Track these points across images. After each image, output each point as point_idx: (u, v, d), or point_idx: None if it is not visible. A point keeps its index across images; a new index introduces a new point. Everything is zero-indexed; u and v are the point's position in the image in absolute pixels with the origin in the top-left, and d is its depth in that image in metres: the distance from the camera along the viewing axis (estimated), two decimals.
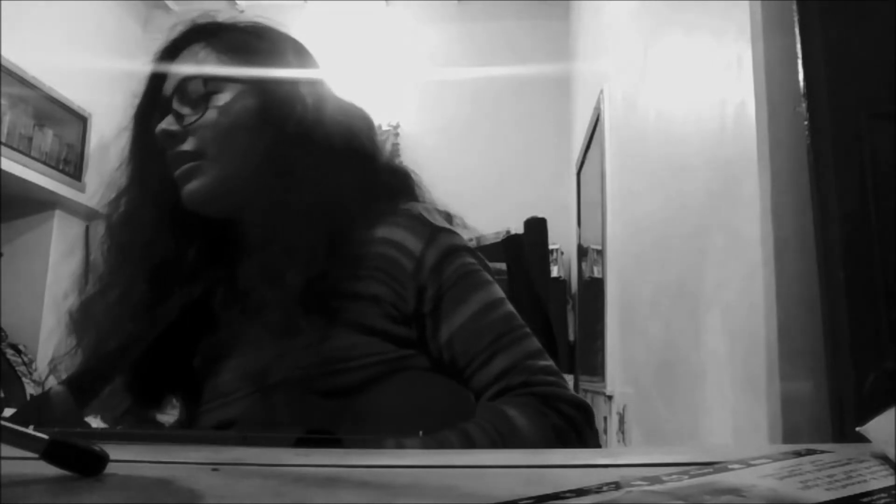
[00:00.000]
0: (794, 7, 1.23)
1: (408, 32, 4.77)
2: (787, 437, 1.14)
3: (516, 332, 0.74)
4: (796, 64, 1.22)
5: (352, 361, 0.71)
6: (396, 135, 4.54)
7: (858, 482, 0.33)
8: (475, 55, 4.67)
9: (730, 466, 0.36)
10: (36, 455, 0.36)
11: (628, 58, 2.62)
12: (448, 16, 4.79)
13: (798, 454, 0.40)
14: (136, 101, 0.84)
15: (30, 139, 3.73)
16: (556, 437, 0.68)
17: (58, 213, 3.95)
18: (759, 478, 0.34)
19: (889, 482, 0.33)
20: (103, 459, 0.37)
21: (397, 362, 0.72)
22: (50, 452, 0.36)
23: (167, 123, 0.78)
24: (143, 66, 0.84)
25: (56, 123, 3.92)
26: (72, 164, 4.01)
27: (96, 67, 4.24)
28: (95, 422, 0.79)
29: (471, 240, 0.85)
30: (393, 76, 4.61)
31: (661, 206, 2.06)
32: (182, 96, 0.79)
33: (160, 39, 0.84)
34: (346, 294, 0.73)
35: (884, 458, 0.37)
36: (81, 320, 0.80)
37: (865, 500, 0.30)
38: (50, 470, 0.36)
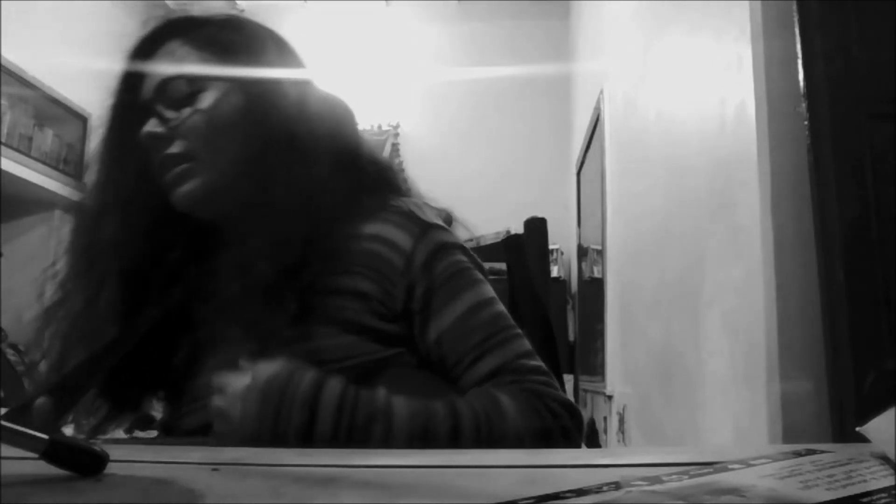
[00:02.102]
0: (794, 7, 1.23)
1: (408, 32, 4.77)
2: (787, 437, 1.14)
3: (506, 331, 0.73)
4: (796, 64, 1.22)
5: (335, 363, 0.69)
6: (396, 135, 4.54)
7: (858, 482, 0.33)
8: (475, 55, 4.67)
9: (730, 466, 0.36)
10: (36, 455, 0.36)
11: (628, 58, 2.62)
12: (448, 16, 4.79)
13: (798, 454, 0.40)
14: (110, 101, 0.81)
15: (30, 139, 3.73)
16: (543, 430, 0.67)
17: (58, 213, 3.95)
18: (759, 478, 0.34)
19: (889, 482, 0.33)
20: (103, 459, 0.37)
21: (384, 361, 0.71)
22: (50, 452, 0.36)
23: (152, 126, 0.75)
24: (127, 65, 0.81)
25: (56, 123, 3.92)
26: (72, 164, 4.00)
27: (96, 67, 4.24)
28: (69, 431, 0.76)
29: (470, 240, 0.84)
30: (393, 76, 4.61)
31: (661, 205, 2.06)
32: (164, 97, 0.77)
33: (131, 37, 0.80)
34: (332, 290, 0.71)
35: (884, 458, 0.37)
36: (43, 329, 0.77)
37: (865, 500, 0.30)
38: (50, 470, 0.36)
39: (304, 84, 0.82)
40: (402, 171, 0.87)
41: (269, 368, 0.64)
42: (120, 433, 0.81)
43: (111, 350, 0.74)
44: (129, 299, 0.77)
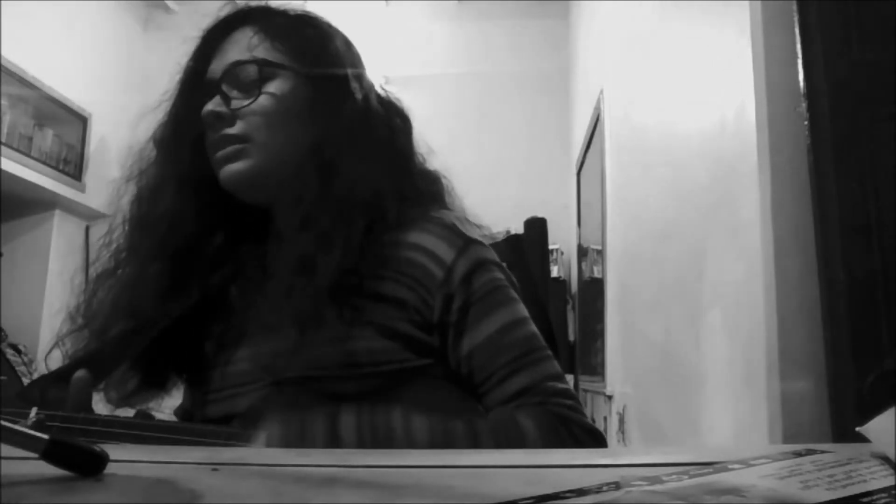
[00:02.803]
0: (794, 7, 1.23)
1: (408, 32, 4.77)
2: (787, 437, 1.14)
3: (537, 352, 0.73)
4: (796, 64, 1.22)
5: (370, 367, 0.70)
6: None
7: (858, 482, 0.33)
8: (475, 55, 4.67)
9: (730, 466, 0.36)
10: (36, 455, 0.36)
11: (628, 57, 2.62)
12: (448, 15, 4.79)
13: (798, 454, 0.40)
14: (179, 76, 0.83)
15: (30, 139, 3.73)
16: None
17: (58, 213, 3.95)
18: (759, 478, 0.34)
19: (889, 482, 0.33)
20: (103, 459, 0.37)
21: (414, 371, 0.71)
22: (50, 452, 0.36)
23: (215, 105, 0.77)
24: (189, 43, 0.83)
25: (56, 123, 3.92)
26: (72, 164, 4.00)
27: (96, 67, 4.25)
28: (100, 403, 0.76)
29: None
30: (393, 76, 4.61)
31: (661, 206, 2.06)
32: (232, 79, 0.78)
33: (208, 19, 0.82)
34: (372, 294, 0.72)
35: (884, 458, 0.37)
36: (93, 296, 0.79)
37: (865, 500, 0.30)
38: (50, 470, 0.36)
39: (367, 83, 0.83)
40: (451, 185, 0.87)
41: (278, 427, 0.64)
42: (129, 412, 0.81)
43: (150, 325, 0.76)
44: (175, 277, 0.78)
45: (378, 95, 0.85)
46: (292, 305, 0.69)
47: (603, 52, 3.20)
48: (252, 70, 0.77)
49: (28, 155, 3.67)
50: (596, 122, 3.23)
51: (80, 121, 4.07)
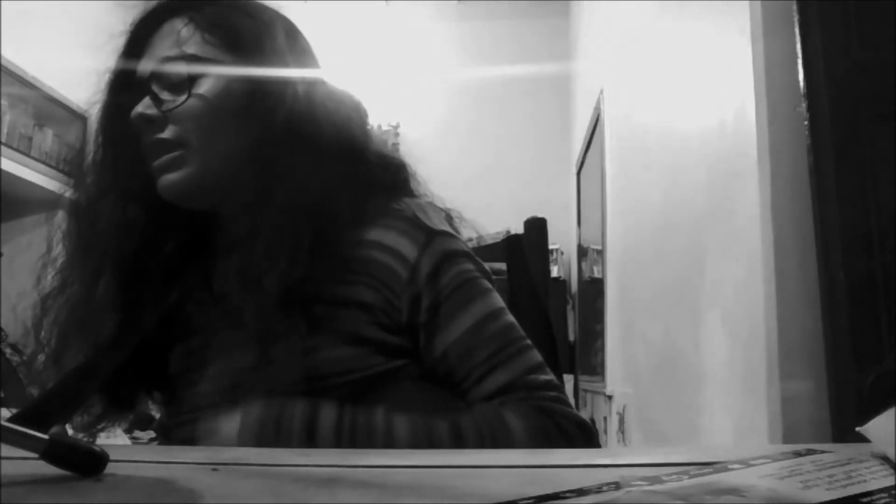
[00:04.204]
0: (794, 7, 1.23)
1: (408, 32, 4.77)
2: (787, 437, 1.14)
3: (515, 344, 0.69)
4: (796, 64, 1.21)
5: (336, 376, 0.66)
6: (396, 135, 4.54)
7: (858, 482, 0.33)
8: (475, 55, 4.67)
9: (730, 466, 0.36)
10: (36, 455, 0.36)
11: (628, 57, 2.62)
12: (448, 15, 4.79)
13: (798, 454, 0.40)
14: (109, 77, 0.76)
15: (30, 139, 3.73)
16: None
17: (59, 213, 3.95)
18: (759, 478, 0.34)
19: (889, 482, 0.33)
20: (103, 459, 0.37)
21: (388, 374, 0.68)
22: (50, 452, 0.36)
23: (144, 107, 0.71)
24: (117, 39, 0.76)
25: (56, 123, 3.91)
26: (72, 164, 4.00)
27: (96, 67, 4.24)
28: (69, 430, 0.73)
29: (470, 239, 0.81)
30: (392, 76, 4.61)
31: (662, 205, 2.06)
32: (161, 78, 0.72)
33: (135, 9, 0.76)
34: (333, 300, 0.68)
35: (884, 458, 0.37)
36: (41, 318, 0.74)
37: (865, 500, 0.30)
38: (50, 470, 0.36)
39: (313, 79, 0.77)
40: (415, 170, 0.82)
41: (257, 408, 0.63)
42: (118, 432, 0.80)
43: (109, 355, 0.71)
44: (127, 290, 0.73)
45: (326, 87, 0.78)
46: (245, 322, 0.65)
47: (603, 52, 3.20)
48: (181, 66, 0.71)
49: (28, 155, 3.67)
50: (596, 122, 3.23)
51: (80, 121, 4.06)
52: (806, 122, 1.19)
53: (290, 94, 0.72)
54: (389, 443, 0.62)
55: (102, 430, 0.77)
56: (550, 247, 3.97)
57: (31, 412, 0.68)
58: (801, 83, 1.20)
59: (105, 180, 0.76)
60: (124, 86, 0.75)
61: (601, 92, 3.13)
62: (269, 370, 0.64)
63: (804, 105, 1.19)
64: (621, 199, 2.73)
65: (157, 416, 0.83)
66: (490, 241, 1.13)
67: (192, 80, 0.71)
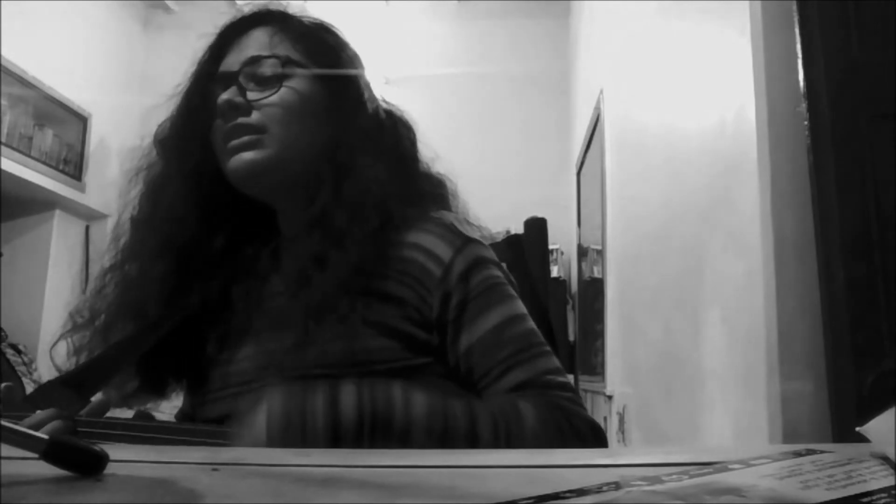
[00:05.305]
0: (794, 7, 1.23)
1: (407, 32, 4.77)
2: (787, 437, 1.14)
3: (536, 348, 0.73)
4: (796, 64, 1.22)
5: (370, 365, 0.70)
6: None
7: (858, 482, 0.33)
8: (475, 55, 4.67)
9: (730, 466, 0.36)
10: (36, 455, 0.36)
11: (628, 57, 2.62)
12: (448, 15, 4.79)
13: (798, 454, 0.40)
14: (193, 68, 0.83)
15: (30, 139, 3.73)
16: (563, 444, 0.66)
17: (58, 213, 3.95)
18: (759, 478, 0.34)
19: (889, 482, 0.33)
20: (103, 459, 0.37)
21: (413, 369, 0.72)
22: (50, 452, 0.36)
23: (231, 94, 0.77)
24: (206, 41, 0.84)
25: (56, 123, 3.92)
26: (72, 164, 4.00)
27: (96, 67, 4.25)
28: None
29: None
30: (392, 75, 4.61)
31: (661, 205, 2.06)
32: (251, 72, 0.79)
33: (226, 16, 0.84)
34: (376, 293, 0.73)
35: (884, 458, 0.37)
36: (98, 291, 0.80)
37: (865, 500, 0.30)
38: (50, 470, 0.36)
39: (373, 92, 0.87)
40: (455, 188, 0.90)
41: (279, 393, 0.64)
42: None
43: (153, 330, 0.76)
44: (180, 278, 0.79)
45: (382, 103, 0.88)
46: (305, 300, 0.70)
47: (603, 52, 3.20)
48: (274, 65, 0.79)
49: (28, 155, 3.67)
50: (596, 122, 3.23)
51: (80, 121, 4.07)
52: (806, 122, 1.19)
53: (362, 104, 0.83)
54: (408, 414, 0.64)
55: (132, 406, 0.82)
56: (550, 247, 3.97)
57: (71, 377, 0.73)
58: (801, 83, 1.20)
59: (172, 168, 0.82)
60: (208, 79, 0.82)
61: (601, 92, 3.13)
62: (314, 350, 0.68)
63: (804, 105, 1.19)
64: (621, 198, 2.73)
65: (158, 415, 0.84)
66: (490, 242, 1.13)
67: (278, 79, 0.79)
